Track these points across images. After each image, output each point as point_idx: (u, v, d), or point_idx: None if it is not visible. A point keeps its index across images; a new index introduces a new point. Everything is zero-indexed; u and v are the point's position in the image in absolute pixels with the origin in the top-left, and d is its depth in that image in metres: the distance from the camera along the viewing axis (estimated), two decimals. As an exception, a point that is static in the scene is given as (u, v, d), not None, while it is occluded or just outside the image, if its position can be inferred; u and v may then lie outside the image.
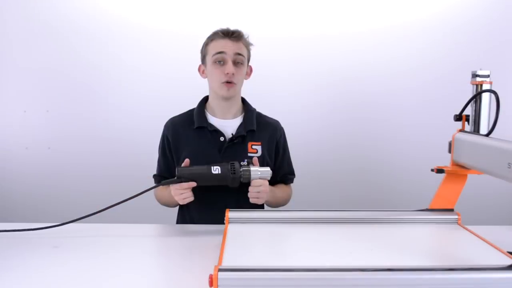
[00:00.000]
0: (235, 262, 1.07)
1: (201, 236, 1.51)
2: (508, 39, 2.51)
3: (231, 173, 1.47)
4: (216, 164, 1.48)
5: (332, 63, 2.51)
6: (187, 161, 1.55)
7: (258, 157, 1.65)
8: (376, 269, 0.98)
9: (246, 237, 1.31)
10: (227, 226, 1.38)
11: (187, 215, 1.71)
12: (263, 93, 2.30)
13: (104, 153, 2.54)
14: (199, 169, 1.48)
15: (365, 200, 2.56)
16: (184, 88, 2.29)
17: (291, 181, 1.81)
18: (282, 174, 1.77)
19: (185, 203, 1.52)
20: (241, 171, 1.48)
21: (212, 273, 0.94)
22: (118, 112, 2.53)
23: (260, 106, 1.80)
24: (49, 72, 2.50)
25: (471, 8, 2.49)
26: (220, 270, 0.95)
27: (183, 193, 1.48)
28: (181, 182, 1.46)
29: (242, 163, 1.51)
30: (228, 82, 1.62)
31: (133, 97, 2.52)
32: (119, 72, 2.51)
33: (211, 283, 0.94)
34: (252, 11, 2.46)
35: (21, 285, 1.14)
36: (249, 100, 1.78)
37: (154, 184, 1.75)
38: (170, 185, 1.50)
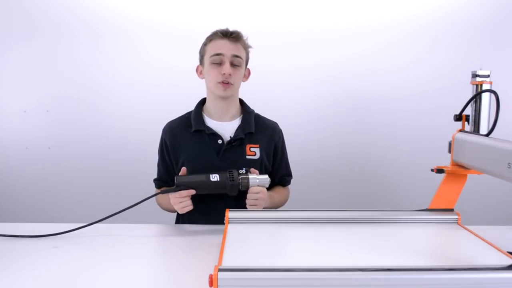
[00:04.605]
0: (235, 262, 1.07)
1: (201, 236, 1.51)
2: (508, 39, 2.51)
3: (230, 181, 1.47)
4: (215, 172, 1.49)
5: (331, 64, 2.51)
6: (183, 170, 1.55)
7: (256, 159, 1.66)
8: (376, 269, 0.98)
9: (246, 237, 1.31)
10: (227, 226, 1.38)
11: (188, 221, 1.69)
12: (262, 94, 2.30)
13: (104, 153, 2.54)
14: (197, 177, 1.48)
15: (365, 200, 2.56)
16: (186, 86, 2.29)
17: (289, 182, 1.81)
18: (280, 176, 1.77)
19: (184, 212, 1.52)
20: (239, 179, 1.48)
21: (212, 273, 0.94)
22: (119, 112, 2.53)
23: (259, 107, 1.79)
24: (49, 72, 2.50)
25: (471, 8, 2.49)
26: (220, 270, 0.95)
27: (182, 201, 1.48)
28: (180, 190, 1.46)
29: (240, 171, 1.51)
30: (224, 83, 1.61)
31: (133, 97, 2.52)
32: (120, 72, 2.51)
33: (211, 283, 0.94)
34: (251, 12, 2.45)
35: (21, 285, 1.14)
36: (247, 101, 1.78)
37: (154, 188, 1.77)
38: (169, 194, 1.51)
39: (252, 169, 1.56)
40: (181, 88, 2.41)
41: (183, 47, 2.39)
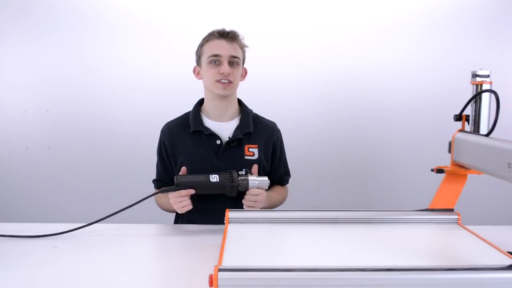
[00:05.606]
0: (235, 262, 1.07)
1: (201, 236, 1.51)
2: (508, 38, 2.51)
3: (229, 182, 1.47)
4: (215, 172, 1.49)
5: (330, 63, 2.51)
6: (183, 169, 1.55)
7: (254, 160, 1.66)
8: (376, 269, 0.98)
9: (246, 237, 1.30)
10: (227, 226, 1.38)
11: (187, 221, 1.69)
12: (260, 93, 2.30)
13: (104, 153, 2.54)
14: (197, 177, 1.48)
15: (365, 200, 2.56)
16: (186, 86, 2.28)
17: (287, 182, 1.81)
18: (279, 175, 1.77)
19: (183, 211, 1.52)
20: (239, 180, 1.48)
21: (212, 273, 0.94)
22: (119, 112, 2.53)
23: (257, 106, 1.79)
24: (49, 72, 2.50)
25: (471, 8, 2.49)
26: (220, 270, 0.95)
27: (181, 201, 1.48)
28: (180, 190, 1.46)
29: (240, 172, 1.51)
30: (224, 82, 1.61)
31: (133, 97, 2.52)
32: (120, 72, 2.51)
33: (211, 283, 0.94)
34: (249, 12, 2.46)
35: (21, 285, 1.14)
36: (245, 101, 1.77)
37: (154, 188, 1.76)
38: (169, 193, 1.51)
39: (254, 167, 1.56)
40: (180, 88, 2.40)
41: (183, 47, 2.37)
